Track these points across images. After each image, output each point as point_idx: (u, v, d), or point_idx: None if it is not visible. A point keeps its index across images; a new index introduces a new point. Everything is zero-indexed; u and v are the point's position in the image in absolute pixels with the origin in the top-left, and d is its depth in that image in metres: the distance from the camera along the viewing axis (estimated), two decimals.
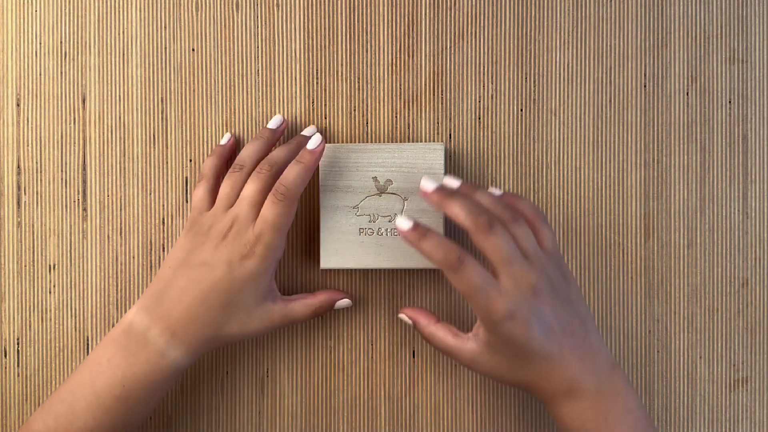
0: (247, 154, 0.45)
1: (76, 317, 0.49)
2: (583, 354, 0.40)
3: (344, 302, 0.47)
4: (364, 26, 0.49)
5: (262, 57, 0.49)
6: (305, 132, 0.47)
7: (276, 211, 0.42)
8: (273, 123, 0.47)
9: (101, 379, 0.41)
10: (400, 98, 0.49)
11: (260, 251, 0.42)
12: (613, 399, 0.40)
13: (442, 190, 0.41)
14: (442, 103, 0.49)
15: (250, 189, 0.43)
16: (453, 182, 0.43)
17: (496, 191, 0.44)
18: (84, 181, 0.49)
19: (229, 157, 0.48)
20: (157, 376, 0.41)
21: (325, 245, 0.46)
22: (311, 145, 0.44)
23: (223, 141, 0.48)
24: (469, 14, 0.49)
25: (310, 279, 0.49)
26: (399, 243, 0.45)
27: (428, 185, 0.41)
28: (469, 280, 0.39)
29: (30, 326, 0.50)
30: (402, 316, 0.46)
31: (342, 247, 0.46)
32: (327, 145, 0.46)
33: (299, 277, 0.49)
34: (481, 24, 0.49)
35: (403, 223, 0.40)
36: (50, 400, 0.42)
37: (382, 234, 0.45)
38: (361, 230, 0.46)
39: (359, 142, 0.49)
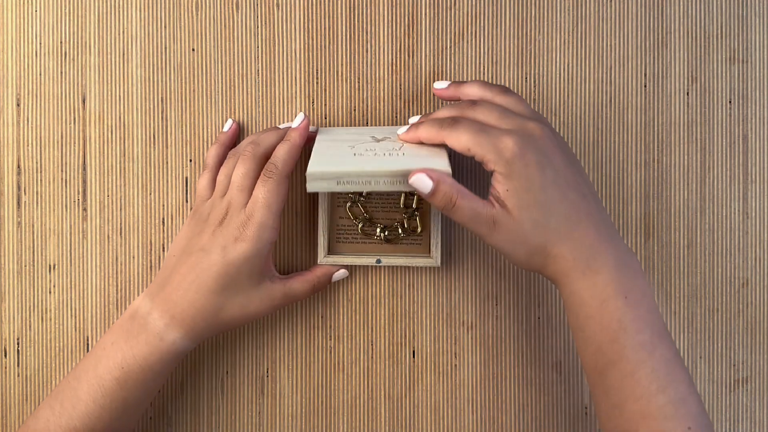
0: (243, 143, 0.47)
1: (76, 317, 0.49)
2: (599, 225, 0.39)
3: (341, 273, 0.47)
4: (364, 26, 0.49)
5: (262, 57, 0.49)
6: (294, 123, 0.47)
7: (266, 188, 0.42)
8: (286, 124, 0.48)
9: (103, 361, 0.42)
10: (400, 98, 0.49)
11: (251, 233, 0.42)
12: (632, 278, 0.39)
13: (411, 126, 0.44)
14: (442, 103, 0.49)
15: (238, 173, 0.44)
16: (415, 118, 0.46)
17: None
18: (84, 181, 0.49)
19: (231, 144, 0.49)
20: (156, 358, 0.42)
21: (317, 154, 0.42)
22: (295, 123, 0.45)
23: (226, 127, 0.48)
24: (469, 14, 0.49)
25: None
26: (396, 157, 0.42)
27: (401, 130, 0.44)
28: (466, 130, 0.39)
29: (30, 326, 0.50)
30: (415, 178, 0.39)
31: (334, 154, 0.42)
32: (326, 129, 0.46)
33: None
34: (481, 24, 0.49)
35: (400, 129, 0.44)
36: (58, 386, 0.43)
37: (378, 155, 0.42)
38: (357, 154, 0.42)
39: None
